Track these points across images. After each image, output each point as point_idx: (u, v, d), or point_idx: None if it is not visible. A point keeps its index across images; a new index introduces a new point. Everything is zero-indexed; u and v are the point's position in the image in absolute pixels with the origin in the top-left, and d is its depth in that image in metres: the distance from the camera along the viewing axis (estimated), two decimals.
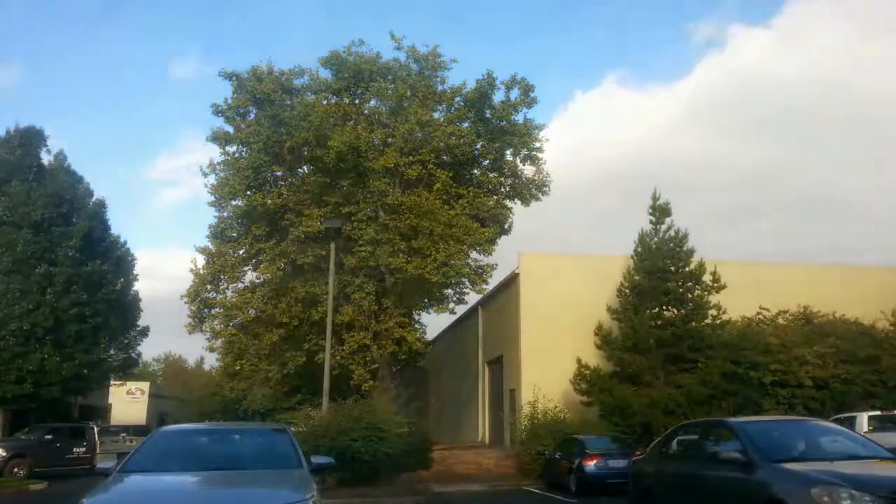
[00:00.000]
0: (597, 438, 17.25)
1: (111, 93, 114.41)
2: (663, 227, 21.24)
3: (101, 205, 30.76)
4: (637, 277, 20.87)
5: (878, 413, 17.60)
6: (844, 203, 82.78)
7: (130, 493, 6.41)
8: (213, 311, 26.35)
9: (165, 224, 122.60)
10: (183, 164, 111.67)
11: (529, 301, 25.06)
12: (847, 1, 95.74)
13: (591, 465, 15.70)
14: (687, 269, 20.63)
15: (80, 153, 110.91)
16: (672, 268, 20.65)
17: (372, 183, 24.37)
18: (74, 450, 24.16)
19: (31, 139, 29.59)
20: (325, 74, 27.15)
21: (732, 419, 10.59)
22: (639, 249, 21.19)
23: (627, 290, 21.09)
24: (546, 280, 25.03)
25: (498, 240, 26.96)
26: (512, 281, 26.68)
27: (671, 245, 20.87)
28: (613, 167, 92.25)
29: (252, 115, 26.68)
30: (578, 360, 21.33)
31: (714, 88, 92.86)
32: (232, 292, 26.63)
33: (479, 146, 26.63)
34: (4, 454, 21.90)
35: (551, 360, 22.80)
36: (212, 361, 43.96)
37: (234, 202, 26.07)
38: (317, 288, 23.87)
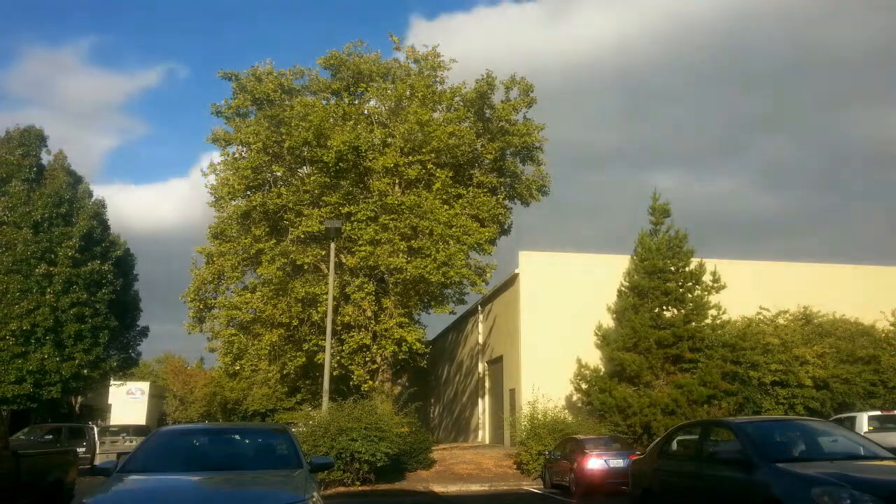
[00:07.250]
0: (597, 438, 17.23)
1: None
2: (663, 228, 21.27)
3: (101, 205, 30.82)
4: (637, 277, 20.86)
5: (878, 413, 17.64)
6: None
7: (130, 494, 6.39)
8: (213, 312, 26.34)
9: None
10: None
11: (529, 301, 25.05)
12: None
13: (591, 465, 15.69)
14: (687, 269, 20.64)
15: None
16: (672, 268, 20.65)
17: (372, 183, 24.38)
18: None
19: (31, 139, 29.66)
20: (325, 75, 27.24)
21: (732, 419, 10.60)
22: (639, 249, 21.18)
23: (627, 290, 21.08)
24: (546, 280, 25.03)
25: (498, 240, 26.96)
26: (512, 281, 26.68)
27: (671, 245, 20.88)
28: None
29: (252, 116, 26.70)
30: (578, 360, 21.35)
31: None
32: (232, 292, 26.63)
33: (479, 146, 26.65)
34: None
35: (551, 359, 22.80)
36: (212, 361, 43.96)
37: (233, 202, 26.07)
38: (317, 288, 23.86)
